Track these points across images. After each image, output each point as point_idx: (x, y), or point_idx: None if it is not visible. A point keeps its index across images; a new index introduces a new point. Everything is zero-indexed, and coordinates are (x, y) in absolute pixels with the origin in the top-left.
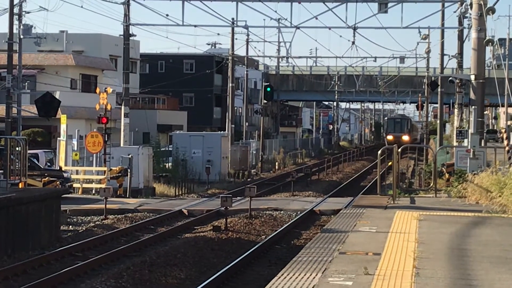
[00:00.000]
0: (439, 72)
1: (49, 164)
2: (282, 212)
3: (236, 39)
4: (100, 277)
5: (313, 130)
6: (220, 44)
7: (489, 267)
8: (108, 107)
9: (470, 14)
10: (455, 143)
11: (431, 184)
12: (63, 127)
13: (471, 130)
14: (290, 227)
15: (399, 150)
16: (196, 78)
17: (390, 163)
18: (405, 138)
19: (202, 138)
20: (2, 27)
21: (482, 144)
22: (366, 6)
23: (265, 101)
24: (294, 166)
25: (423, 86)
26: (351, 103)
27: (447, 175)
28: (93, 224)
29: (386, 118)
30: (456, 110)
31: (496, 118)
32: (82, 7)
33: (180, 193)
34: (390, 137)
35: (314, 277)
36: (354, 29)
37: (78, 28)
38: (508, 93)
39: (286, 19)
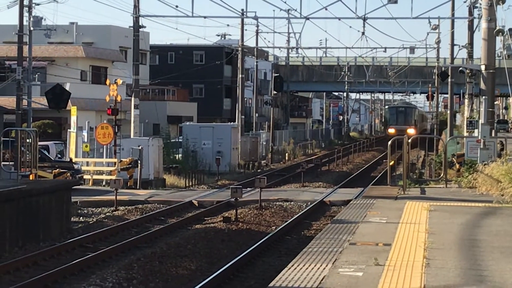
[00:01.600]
0: (449, 62)
1: (59, 155)
2: (292, 203)
3: (246, 30)
4: (110, 268)
5: (323, 121)
6: (229, 35)
7: (500, 257)
8: (118, 98)
9: (480, 4)
10: (465, 134)
11: (441, 175)
12: (73, 118)
13: (481, 120)
14: (300, 218)
15: (409, 140)
16: (206, 69)
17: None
18: (411, 131)
19: (212, 129)
20: (12, 19)
21: (493, 134)
22: None
23: (275, 92)
24: (304, 157)
25: (433, 77)
26: (361, 93)
27: (457, 166)
28: (103, 216)
29: (386, 106)
30: (466, 101)
31: (506, 108)
32: None
33: (190, 184)
34: (391, 130)
35: (324, 268)
36: (364, 19)
37: (88, 20)
38: None
39: (295, 10)
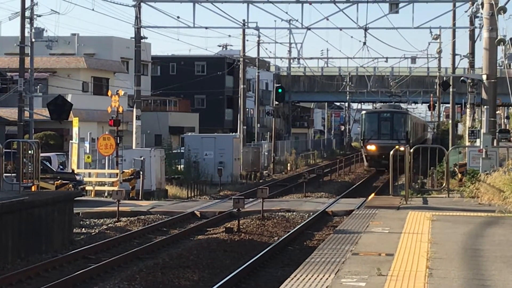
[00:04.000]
0: (450, 72)
1: (61, 167)
2: (294, 213)
3: (247, 40)
4: (113, 279)
5: (325, 131)
6: (231, 45)
7: (503, 267)
8: (120, 109)
9: (482, 13)
10: (467, 143)
11: (444, 185)
12: (75, 130)
13: (483, 130)
14: (302, 228)
15: (411, 150)
16: (208, 80)
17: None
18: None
19: (214, 139)
20: (14, 31)
21: (495, 144)
22: (377, 6)
23: (276, 102)
24: (306, 167)
25: (435, 86)
26: (362, 103)
27: (459, 175)
28: (105, 227)
29: (364, 111)
30: (468, 110)
31: (508, 117)
32: (93, 10)
33: (192, 195)
34: (371, 147)
35: (327, 278)
36: (365, 29)
37: (90, 31)
38: None
39: (297, 20)
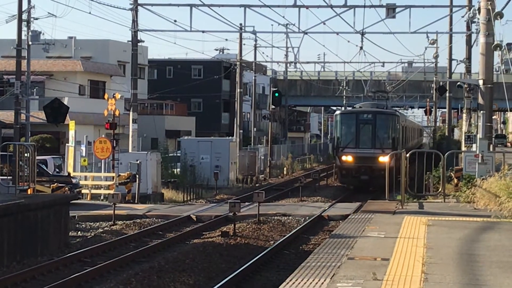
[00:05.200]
0: (447, 77)
1: (57, 170)
2: (290, 217)
3: (244, 44)
4: (108, 282)
5: (321, 135)
6: (228, 49)
7: (498, 272)
8: (117, 113)
9: (478, 19)
10: (463, 148)
11: (440, 189)
12: (71, 133)
13: (479, 135)
14: (298, 232)
15: (407, 155)
16: (204, 83)
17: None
18: (383, 159)
19: (210, 143)
20: (11, 34)
21: (491, 149)
22: (374, 11)
23: (273, 107)
24: (302, 172)
25: (431, 91)
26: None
27: (455, 180)
28: (101, 230)
29: (338, 112)
30: (464, 115)
31: (504, 123)
32: (90, 13)
33: (188, 198)
34: (347, 158)
35: (322, 283)
36: (362, 34)
37: (87, 34)
38: None
39: (294, 25)
